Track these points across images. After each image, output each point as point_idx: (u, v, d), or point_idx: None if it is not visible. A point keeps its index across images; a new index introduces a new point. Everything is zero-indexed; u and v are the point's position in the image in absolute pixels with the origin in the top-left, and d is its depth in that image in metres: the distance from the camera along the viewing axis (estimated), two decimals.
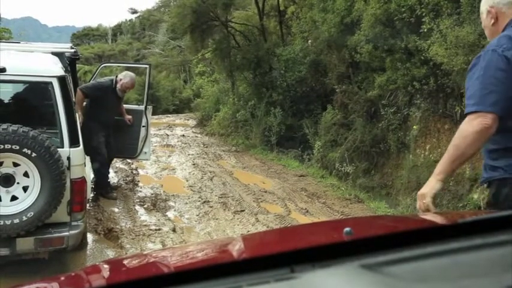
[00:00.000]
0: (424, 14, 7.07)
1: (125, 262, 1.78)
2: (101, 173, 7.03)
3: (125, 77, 6.90)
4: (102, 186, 7.05)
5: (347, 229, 1.14)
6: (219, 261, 1.35)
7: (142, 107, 7.38)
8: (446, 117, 7.55)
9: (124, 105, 7.38)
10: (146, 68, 7.97)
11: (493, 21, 2.54)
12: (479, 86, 2.35)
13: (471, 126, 2.35)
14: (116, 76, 7.01)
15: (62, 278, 1.58)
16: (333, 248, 1.07)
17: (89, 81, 7.76)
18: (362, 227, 1.60)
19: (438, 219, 1.77)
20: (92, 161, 6.78)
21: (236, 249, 1.44)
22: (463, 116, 5.08)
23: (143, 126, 7.22)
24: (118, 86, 6.84)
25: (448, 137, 7.50)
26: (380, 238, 1.11)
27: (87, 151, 6.59)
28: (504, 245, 1.02)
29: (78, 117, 6.40)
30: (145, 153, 7.32)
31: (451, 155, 2.46)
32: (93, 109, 6.68)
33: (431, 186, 2.48)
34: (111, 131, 6.96)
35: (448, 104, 7.48)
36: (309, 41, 12.35)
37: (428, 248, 1.00)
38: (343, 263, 0.98)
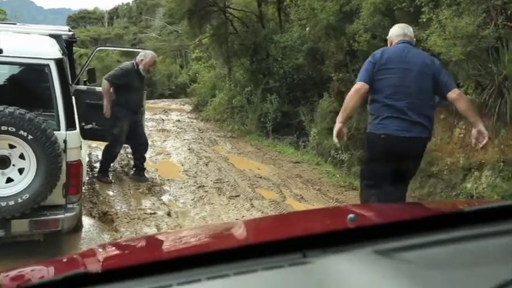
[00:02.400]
0: (423, 4, 7.03)
1: (124, 246, 1.78)
2: (108, 158, 7.14)
3: (145, 56, 6.93)
4: (103, 170, 7.08)
5: (351, 216, 1.15)
6: (228, 245, 1.35)
7: None
8: (442, 107, 7.55)
9: None
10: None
11: (389, 43, 4.41)
12: (361, 70, 4.22)
13: (352, 89, 4.17)
14: (135, 59, 7.00)
15: (58, 261, 1.59)
16: (340, 234, 1.09)
17: (85, 64, 7.73)
18: (364, 213, 1.62)
19: (437, 207, 1.79)
20: (108, 145, 6.99)
21: (244, 233, 1.44)
22: None
23: None
24: (141, 66, 6.86)
25: (443, 126, 7.52)
26: (387, 225, 1.12)
27: (109, 135, 6.84)
28: (509, 234, 1.03)
29: (106, 108, 6.54)
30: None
31: (342, 107, 4.23)
32: (121, 95, 6.73)
33: (335, 127, 4.18)
34: (139, 114, 7.14)
35: (446, 100, 7.48)
36: (307, 28, 12.29)
37: (438, 235, 1.01)
38: (355, 249, 0.99)
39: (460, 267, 0.91)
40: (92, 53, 8.07)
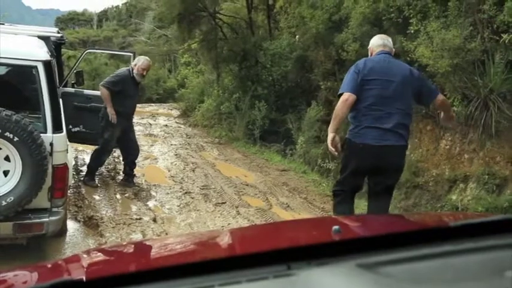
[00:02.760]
0: (411, 16, 7.11)
1: (108, 253, 1.77)
2: (96, 163, 7.11)
3: (138, 60, 6.98)
4: (90, 174, 7.04)
5: (336, 227, 1.16)
6: (214, 255, 1.36)
7: None
8: (429, 118, 7.61)
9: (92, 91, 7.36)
10: (130, 56, 7.88)
11: (369, 53, 4.55)
12: (345, 81, 4.30)
13: (340, 99, 4.22)
14: (130, 65, 7.03)
15: (42, 267, 1.57)
16: (325, 246, 1.09)
17: (73, 66, 7.68)
18: (349, 225, 1.62)
19: (422, 219, 1.80)
20: (98, 149, 6.98)
21: (228, 243, 1.44)
22: None
23: None
24: (135, 71, 6.87)
25: (430, 137, 7.59)
26: (372, 238, 1.13)
27: (100, 140, 6.84)
28: (494, 250, 1.04)
29: (111, 114, 6.63)
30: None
31: (332, 117, 4.28)
32: (116, 101, 6.71)
33: (329, 138, 4.20)
34: (132, 119, 7.20)
35: (431, 105, 7.55)
36: (297, 36, 12.34)
37: (422, 249, 1.02)
38: (339, 262, 1.00)
39: (442, 283, 0.92)
40: (81, 56, 8.03)
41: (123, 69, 7.08)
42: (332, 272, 0.97)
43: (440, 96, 4.44)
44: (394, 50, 4.58)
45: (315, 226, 1.69)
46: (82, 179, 7.12)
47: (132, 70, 6.87)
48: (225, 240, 1.49)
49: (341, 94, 4.25)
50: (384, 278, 0.93)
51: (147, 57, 7.21)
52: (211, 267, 1.01)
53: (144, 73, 7.06)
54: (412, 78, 4.29)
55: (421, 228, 1.41)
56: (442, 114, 4.58)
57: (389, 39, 4.58)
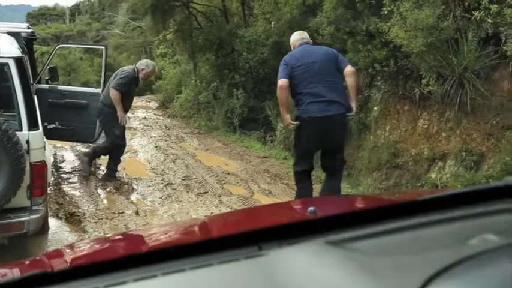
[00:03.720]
0: None
1: (89, 245, 1.77)
2: (115, 160, 7.20)
3: (147, 66, 7.02)
4: (113, 172, 7.17)
5: (311, 208, 1.17)
6: (187, 241, 1.37)
7: (99, 90, 7.17)
8: (406, 99, 7.69)
9: (79, 88, 7.28)
10: (102, 49, 7.77)
11: (292, 47, 5.35)
12: (279, 73, 5.07)
13: (278, 87, 5.06)
14: (135, 66, 7.04)
15: (24, 264, 1.56)
16: (298, 227, 1.10)
17: (46, 62, 7.56)
18: (325, 206, 1.64)
19: (399, 197, 1.83)
20: (107, 141, 7.02)
21: (203, 229, 1.45)
22: (422, 98, 6.06)
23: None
24: (141, 75, 6.95)
25: (407, 117, 7.66)
26: (343, 216, 1.14)
27: (110, 138, 6.90)
28: (460, 220, 1.07)
29: (121, 117, 6.70)
30: (103, 137, 7.23)
31: (279, 103, 5.22)
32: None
33: (284, 120, 5.26)
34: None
35: (408, 86, 7.62)
36: (272, 22, 12.32)
37: (390, 224, 1.04)
38: (309, 240, 1.01)
39: (408, 254, 0.94)
40: (52, 51, 7.90)
41: (128, 69, 7.00)
42: (302, 250, 0.99)
43: (350, 68, 5.10)
44: (311, 41, 5.53)
45: (291, 208, 1.71)
46: (105, 176, 7.15)
47: (138, 72, 6.90)
48: (200, 226, 1.50)
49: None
50: (353, 252, 0.95)
51: (153, 63, 7.41)
52: (184, 253, 1.02)
53: (148, 78, 7.31)
54: (329, 55, 5.13)
55: (390, 204, 1.43)
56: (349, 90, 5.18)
57: (305, 33, 5.57)
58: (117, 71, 7.10)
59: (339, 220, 1.10)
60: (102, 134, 7.16)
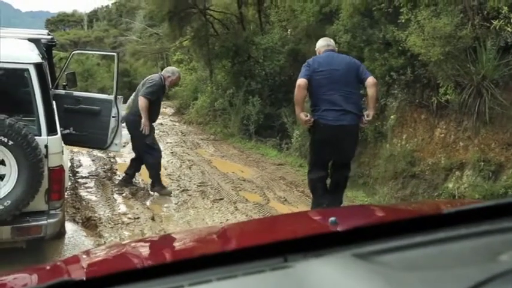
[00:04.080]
0: (402, 5, 7.12)
1: (107, 252, 1.77)
2: (156, 169, 7.02)
3: (173, 73, 7.02)
4: (158, 182, 7.01)
5: (332, 219, 1.16)
6: (210, 250, 1.36)
7: (112, 97, 7.12)
8: (423, 107, 7.64)
9: (93, 94, 7.28)
10: (114, 55, 7.77)
11: (317, 53, 5.47)
12: (300, 74, 5.25)
13: (296, 86, 5.24)
14: (161, 74, 7.05)
15: (41, 269, 1.57)
16: (322, 238, 1.10)
17: (63, 68, 7.61)
18: (346, 216, 1.63)
19: (420, 208, 1.81)
20: (147, 157, 6.91)
21: (226, 238, 1.45)
22: (439, 107, 6.09)
23: (113, 117, 7.00)
24: (167, 83, 6.95)
25: (424, 126, 7.61)
26: (368, 228, 1.13)
27: (141, 148, 6.84)
28: (487, 235, 1.06)
29: (145, 125, 6.62)
30: (116, 144, 7.18)
31: (295, 102, 5.30)
32: (149, 109, 6.72)
33: (299, 117, 5.33)
34: None
35: (425, 94, 7.58)
36: (288, 30, 12.34)
37: (416, 237, 1.03)
38: (335, 253, 1.01)
39: (436, 269, 0.93)
40: (69, 57, 7.97)
41: (155, 78, 6.96)
42: (328, 263, 0.98)
43: (372, 79, 5.22)
44: (336, 48, 5.71)
45: (312, 218, 1.70)
46: (153, 189, 7.00)
47: (164, 80, 6.89)
48: (222, 235, 1.49)
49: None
50: (379, 266, 0.94)
51: (178, 70, 7.34)
52: (208, 263, 1.02)
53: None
54: (351, 65, 5.30)
55: (415, 216, 1.42)
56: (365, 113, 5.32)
57: (332, 41, 5.74)
58: (145, 79, 7.08)
59: (363, 232, 1.09)
60: (116, 141, 7.10)
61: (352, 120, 5.19)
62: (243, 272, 0.97)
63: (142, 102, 6.60)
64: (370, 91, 5.22)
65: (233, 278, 0.96)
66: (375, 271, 0.93)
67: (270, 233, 1.51)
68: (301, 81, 5.17)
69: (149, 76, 7.20)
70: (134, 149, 7.15)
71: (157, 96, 6.83)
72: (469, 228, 1.06)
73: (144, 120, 6.64)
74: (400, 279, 0.89)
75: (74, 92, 7.05)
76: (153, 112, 6.85)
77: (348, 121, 5.15)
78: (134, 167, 7.20)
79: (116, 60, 7.41)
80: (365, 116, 5.27)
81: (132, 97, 7.04)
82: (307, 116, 5.22)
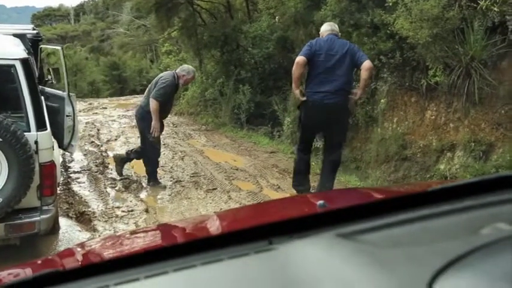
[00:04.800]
0: None
1: (100, 243, 1.78)
2: (153, 166, 7.03)
3: (188, 72, 6.92)
4: (153, 178, 7.01)
5: (320, 202, 1.17)
6: (197, 237, 1.37)
7: (64, 94, 6.32)
8: (413, 90, 7.65)
9: (52, 91, 6.77)
10: (59, 50, 6.95)
11: (320, 36, 5.80)
12: (300, 51, 5.65)
13: (295, 62, 5.59)
14: (175, 72, 6.93)
15: (36, 263, 1.57)
16: (308, 220, 1.10)
17: (37, 65, 7.22)
18: (335, 200, 1.64)
19: (408, 189, 1.82)
20: (147, 152, 6.91)
21: (213, 225, 1.45)
22: (429, 89, 6.16)
23: (67, 116, 6.25)
24: (181, 81, 6.88)
25: (415, 109, 7.63)
26: (353, 208, 1.14)
27: (145, 145, 6.83)
28: (470, 210, 1.07)
29: (154, 128, 6.59)
30: (72, 146, 6.65)
31: (293, 78, 5.66)
32: (160, 108, 6.65)
33: (295, 93, 5.79)
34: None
35: (414, 77, 7.58)
36: (276, 17, 12.29)
37: (400, 215, 1.04)
38: (319, 233, 1.01)
39: (419, 245, 0.94)
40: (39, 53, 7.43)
41: (168, 77, 6.84)
42: (312, 243, 0.99)
43: (368, 63, 5.53)
44: (339, 33, 5.99)
45: (300, 203, 1.71)
46: (149, 184, 7.00)
47: (178, 78, 6.81)
48: (211, 222, 1.50)
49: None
50: (363, 245, 0.95)
51: (194, 69, 7.25)
52: (194, 248, 1.02)
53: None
54: (348, 51, 5.59)
55: (400, 195, 1.43)
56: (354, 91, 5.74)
57: (336, 25, 6.07)
58: (157, 78, 6.95)
59: (349, 213, 1.10)
60: (73, 142, 6.67)
61: (340, 100, 5.56)
62: (227, 256, 0.98)
63: (153, 104, 6.53)
64: (364, 74, 5.54)
65: (218, 262, 0.97)
66: (359, 249, 0.94)
67: (257, 217, 1.52)
68: (300, 58, 5.54)
69: (162, 74, 7.07)
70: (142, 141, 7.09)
71: (168, 97, 6.76)
72: (452, 205, 1.07)
73: (154, 123, 6.58)
74: (384, 256, 0.90)
75: (46, 88, 6.68)
76: (164, 110, 6.79)
77: (334, 100, 5.53)
78: (136, 155, 7.18)
79: (61, 55, 6.58)
80: (353, 95, 5.66)
81: (146, 94, 6.90)
82: (302, 93, 5.68)
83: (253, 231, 1.07)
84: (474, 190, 1.13)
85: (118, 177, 7.22)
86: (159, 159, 7.20)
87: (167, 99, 6.73)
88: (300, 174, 6.10)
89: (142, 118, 6.79)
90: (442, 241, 0.93)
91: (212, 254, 1.00)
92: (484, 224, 0.95)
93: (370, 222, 1.03)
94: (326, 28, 5.91)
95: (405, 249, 0.93)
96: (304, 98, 5.65)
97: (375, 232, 1.00)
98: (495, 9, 5.90)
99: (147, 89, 6.95)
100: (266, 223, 1.13)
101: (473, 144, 6.27)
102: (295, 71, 5.60)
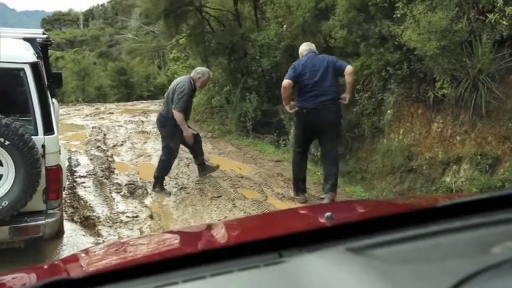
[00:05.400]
0: (397, 0, 7.11)
1: (105, 250, 1.78)
2: (164, 171, 7.10)
3: (203, 74, 7.11)
4: (160, 182, 7.05)
5: (328, 214, 1.17)
6: (206, 247, 1.37)
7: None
8: (420, 102, 7.64)
9: None
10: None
11: (300, 56, 6.53)
12: (286, 75, 6.36)
13: (282, 86, 6.31)
14: (190, 76, 7.08)
15: (40, 268, 1.57)
16: (317, 233, 1.10)
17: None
18: (342, 211, 1.64)
19: (417, 202, 1.81)
20: (164, 159, 7.04)
21: (221, 235, 1.45)
22: (435, 101, 6.20)
23: None
24: (198, 83, 7.06)
25: (421, 121, 7.61)
26: (363, 222, 1.14)
27: (167, 149, 6.99)
28: (480, 227, 1.06)
29: (189, 137, 6.90)
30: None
31: (282, 98, 6.49)
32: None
33: (288, 109, 6.55)
34: None
35: (421, 89, 7.57)
36: (284, 26, 12.31)
37: (410, 231, 1.04)
38: (329, 247, 1.01)
39: (429, 262, 0.93)
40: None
41: (184, 82, 6.94)
42: (322, 257, 0.99)
43: (350, 68, 6.27)
44: (316, 51, 6.65)
45: (308, 214, 1.71)
46: (154, 189, 7.01)
47: (194, 82, 6.95)
48: (218, 231, 1.50)
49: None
50: (373, 260, 0.95)
51: (208, 70, 7.45)
52: (203, 259, 1.02)
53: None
54: (329, 63, 6.25)
55: (409, 210, 1.42)
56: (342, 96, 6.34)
57: (312, 44, 6.77)
58: (174, 84, 7.06)
59: (358, 226, 1.10)
60: None
61: (330, 104, 6.18)
62: (237, 267, 0.98)
63: (178, 116, 6.71)
64: (348, 78, 6.24)
65: (228, 273, 0.97)
66: (369, 265, 0.94)
67: (266, 228, 1.52)
68: (286, 82, 6.24)
69: (178, 80, 7.15)
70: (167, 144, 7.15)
71: (188, 103, 6.97)
72: (462, 221, 1.07)
73: (185, 133, 6.82)
74: (393, 272, 0.90)
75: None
76: (186, 114, 7.00)
77: (324, 103, 6.15)
78: (197, 153, 7.43)
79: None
80: (342, 100, 6.30)
81: (166, 101, 7.03)
82: (293, 107, 6.39)
83: (262, 243, 1.07)
84: (484, 207, 1.12)
85: (123, 183, 7.23)
86: (170, 168, 7.26)
87: (188, 105, 6.96)
88: (295, 174, 6.76)
89: (163, 125, 6.98)
90: (452, 259, 0.92)
91: (222, 265, 1.00)
92: (494, 243, 0.95)
93: (379, 237, 1.03)
94: (304, 48, 6.58)
95: (415, 266, 0.92)
96: (296, 108, 6.34)
97: (384, 247, 1.00)
98: (504, 22, 5.90)
99: (166, 96, 7.08)
100: (276, 235, 1.13)
101: (479, 157, 6.25)
102: (284, 93, 6.31)
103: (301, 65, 6.27)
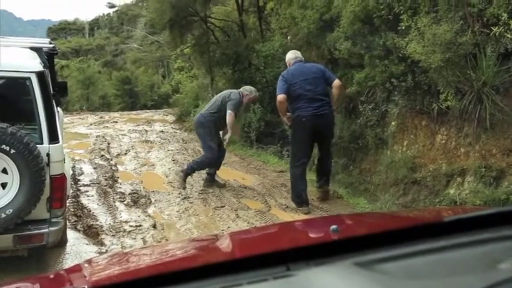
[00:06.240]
0: (402, 12, 7.14)
1: (108, 261, 1.78)
2: (202, 165, 7.62)
3: (251, 92, 7.72)
4: (188, 174, 7.47)
5: (334, 227, 1.17)
6: (213, 259, 1.37)
7: None
8: (424, 114, 7.64)
9: None
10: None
11: (288, 65, 6.72)
12: (278, 87, 6.46)
13: (277, 100, 6.48)
14: (240, 92, 7.62)
15: (44, 278, 1.57)
16: (324, 246, 1.10)
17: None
18: (347, 224, 1.64)
19: (422, 215, 1.81)
20: (204, 153, 7.69)
21: (227, 247, 1.45)
22: (440, 113, 6.22)
23: None
24: (245, 99, 7.64)
25: (425, 133, 7.61)
26: (369, 236, 1.14)
27: (206, 152, 7.51)
28: (488, 243, 1.06)
29: (229, 138, 7.60)
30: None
31: (279, 112, 6.75)
32: (222, 120, 7.34)
33: (285, 121, 6.78)
34: None
35: (425, 101, 7.57)
36: (288, 37, 12.37)
37: (417, 245, 1.04)
38: (336, 261, 1.01)
39: (436, 278, 0.93)
40: None
41: (236, 94, 7.53)
42: (329, 271, 0.99)
43: (337, 82, 6.53)
44: (303, 58, 6.84)
45: (313, 226, 1.70)
46: (178, 174, 7.58)
47: (242, 97, 7.52)
48: (224, 243, 1.50)
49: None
50: (381, 275, 0.95)
51: (255, 89, 8.00)
52: (212, 271, 1.02)
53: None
54: (318, 71, 6.51)
55: (416, 224, 1.42)
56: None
57: (299, 53, 6.93)
58: (223, 94, 7.70)
59: (364, 240, 1.10)
60: None
61: (324, 108, 6.39)
62: (246, 280, 0.98)
63: (231, 117, 7.24)
64: (336, 92, 6.54)
65: (237, 286, 0.97)
66: (376, 280, 0.94)
67: (272, 241, 1.52)
68: (280, 97, 6.40)
69: (228, 91, 7.79)
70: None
71: (238, 112, 7.62)
72: (469, 236, 1.07)
73: (229, 134, 7.37)
74: (401, 287, 0.90)
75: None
76: (223, 125, 7.39)
77: (319, 109, 6.34)
78: (213, 166, 7.68)
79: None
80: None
81: (211, 103, 7.67)
82: (289, 117, 6.49)
83: (270, 256, 1.08)
84: (491, 222, 1.12)
85: (127, 192, 7.23)
86: (209, 165, 7.67)
87: (237, 114, 7.57)
88: (299, 187, 6.69)
89: (202, 125, 7.45)
90: (460, 275, 0.92)
91: (230, 279, 1.00)
92: (502, 258, 0.94)
93: (386, 252, 1.03)
94: (291, 56, 6.74)
95: (423, 281, 0.92)
96: (292, 118, 6.46)
97: (391, 262, 1.00)
98: (508, 35, 5.91)
99: (213, 101, 7.69)
100: (283, 249, 1.13)
101: (483, 169, 6.23)
102: (279, 107, 6.53)
103: (291, 74, 6.45)
